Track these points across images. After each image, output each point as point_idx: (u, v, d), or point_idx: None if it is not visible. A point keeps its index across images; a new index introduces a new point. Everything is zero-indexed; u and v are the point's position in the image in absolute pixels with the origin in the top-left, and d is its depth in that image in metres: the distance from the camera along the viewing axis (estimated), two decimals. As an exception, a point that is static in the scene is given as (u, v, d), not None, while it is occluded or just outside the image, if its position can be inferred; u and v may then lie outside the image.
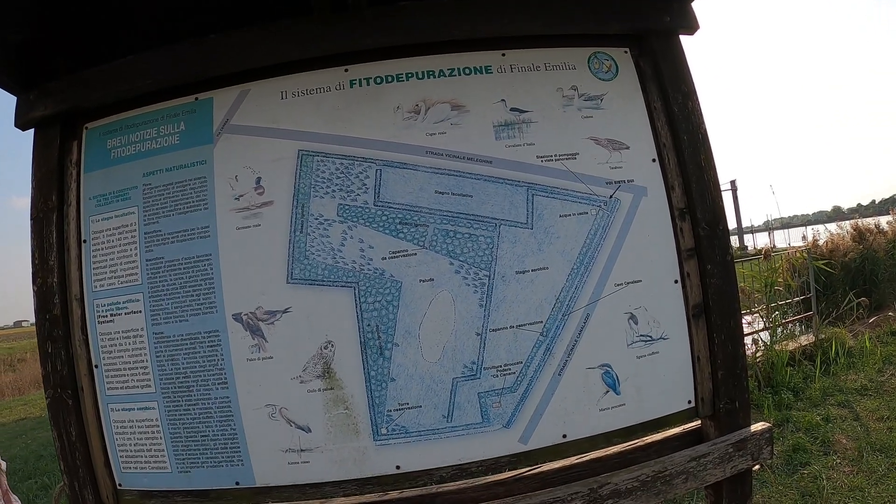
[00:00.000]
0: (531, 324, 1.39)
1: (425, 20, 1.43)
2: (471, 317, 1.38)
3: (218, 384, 1.38)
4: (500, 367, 1.38)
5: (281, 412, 1.37)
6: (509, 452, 1.38)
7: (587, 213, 1.44)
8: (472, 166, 1.42)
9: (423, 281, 1.38)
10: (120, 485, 1.44)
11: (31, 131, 1.51)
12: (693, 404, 1.47)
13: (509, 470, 1.41)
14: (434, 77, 1.46)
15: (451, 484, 1.42)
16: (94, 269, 1.46)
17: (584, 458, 1.46)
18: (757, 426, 1.47)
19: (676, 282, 1.47)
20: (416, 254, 1.38)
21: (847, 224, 7.16)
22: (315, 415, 1.36)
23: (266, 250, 1.39)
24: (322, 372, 1.36)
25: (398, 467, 1.36)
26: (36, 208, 1.48)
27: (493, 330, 1.38)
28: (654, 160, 1.50)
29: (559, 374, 1.39)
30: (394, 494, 1.42)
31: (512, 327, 1.38)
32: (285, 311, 1.37)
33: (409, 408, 1.36)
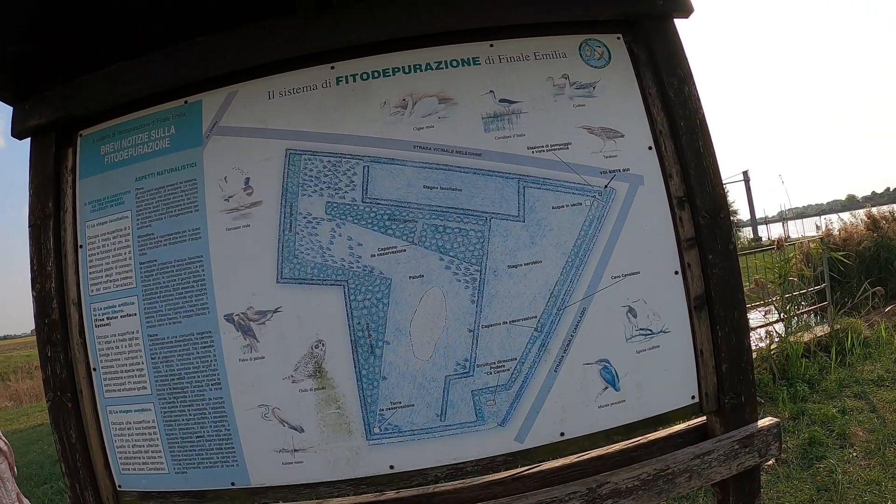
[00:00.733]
0: (525, 319, 1.36)
1: (410, 13, 1.41)
2: (462, 313, 1.35)
3: (211, 385, 1.38)
4: (494, 364, 1.35)
5: (274, 412, 1.36)
6: (505, 451, 1.35)
7: (581, 203, 1.40)
8: (461, 160, 1.39)
9: (413, 277, 1.36)
10: (120, 486, 1.45)
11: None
12: (697, 400, 1.42)
13: (505, 469, 1.38)
14: (421, 71, 1.44)
15: (448, 484, 1.39)
16: (90, 273, 1.48)
17: (585, 457, 1.42)
18: (764, 421, 1.41)
19: (677, 273, 1.42)
20: (405, 250, 1.36)
21: (861, 212, 6.92)
22: (307, 415, 1.35)
23: (256, 250, 1.39)
24: (313, 371, 1.35)
25: (392, 467, 1.34)
26: (34, 215, 1.50)
27: (486, 326, 1.35)
28: (650, 148, 1.45)
29: (555, 371, 1.36)
30: (390, 494, 1.40)
31: (505, 323, 1.35)
32: (276, 311, 1.37)
33: (401, 407, 1.34)
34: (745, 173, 16.34)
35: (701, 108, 1.48)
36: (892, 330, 4.80)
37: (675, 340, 1.41)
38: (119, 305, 1.45)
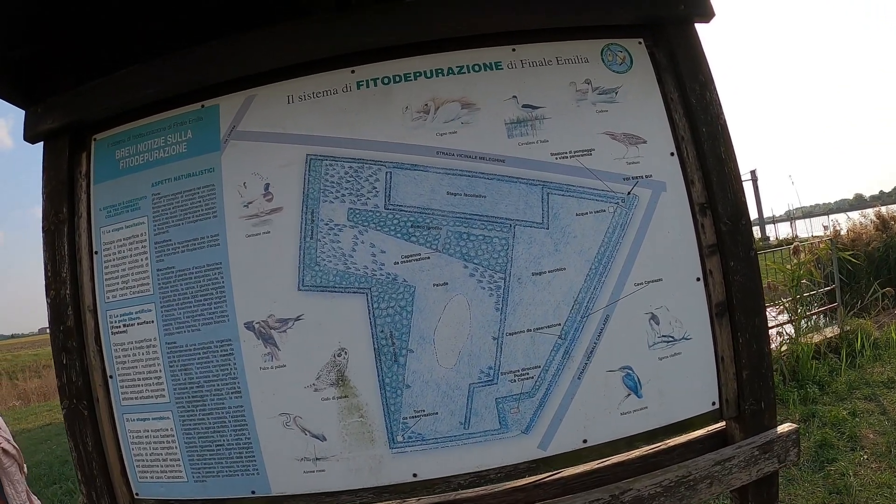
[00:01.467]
0: (549, 327, 1.35)
1: (430, 16, 1.40)
2: (486, 321, 1.34)
3: (231, 393, 1.37)
4: (518, 371, 1.34)
5: (295, 421, 1.35)
6: (528, 459, 1.35)
7: (604, 210, 1.39)
8: (485, 166, 1.38)
9: (437, 285, 1.35)
10: (137, 494, 1.44)
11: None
12: (717, 406, 1.42)
13: (528, 476, 1.38)
14: (443, 75, 1.42)
15: (470, 491, 1.39)
16: (105, 280, 1.46)
17: (606, 463, 1.42)
18: (783, 427, 1.42)
19: (698, 280, 1.42)
20: (429, 257, 1.35)
21: (870, 212, 6.94)
22: (330, 423, 1.34)
23: (276, 257, 1.37)
24: (336, 380, 1.34)
25: (415, 475, 1.34)
26: (48, 220, 1.48)
27: (510, 334, 1.34)
28: (672, 154, 1.45)
29: (578, 378, 1.35)
30: (412, 502, 1.40)
31: (529, 331, 1.35)
32: (297, 319, 1.35)
33: (425, 415, 1.33)
34: (753, 172, 16.42)
35: (722, 113, 1.47)
36: (902, 331, 4.81)
37: (697, 347, 1.41)
38: (136, 312, 1.43)
